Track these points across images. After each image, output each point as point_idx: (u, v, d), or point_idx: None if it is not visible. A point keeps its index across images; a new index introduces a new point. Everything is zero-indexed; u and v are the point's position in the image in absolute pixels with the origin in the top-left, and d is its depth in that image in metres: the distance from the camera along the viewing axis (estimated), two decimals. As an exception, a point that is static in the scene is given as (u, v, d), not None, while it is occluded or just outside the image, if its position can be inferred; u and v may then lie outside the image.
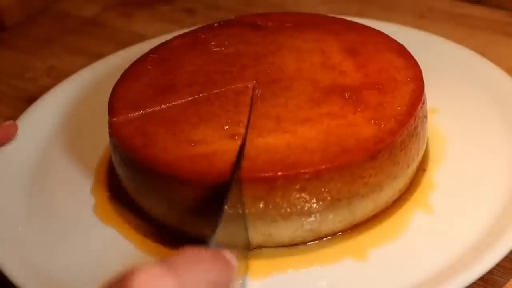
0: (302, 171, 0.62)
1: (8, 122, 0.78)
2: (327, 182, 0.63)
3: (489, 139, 0.73)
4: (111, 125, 0.70)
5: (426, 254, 0.64)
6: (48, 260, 0.67)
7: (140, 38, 0.96)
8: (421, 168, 0.71)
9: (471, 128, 0.75)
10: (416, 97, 0.69)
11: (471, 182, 0.70)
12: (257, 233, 0.65)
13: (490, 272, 0.62)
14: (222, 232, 0.57)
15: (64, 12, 1.06)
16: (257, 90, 0.70)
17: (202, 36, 0.79)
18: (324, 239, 0.66)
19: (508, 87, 0.77)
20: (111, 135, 0.70)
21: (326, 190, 0.63)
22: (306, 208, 0.64)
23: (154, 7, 1.05)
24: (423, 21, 0.95)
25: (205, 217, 0.65)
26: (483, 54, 0.82)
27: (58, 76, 0.91)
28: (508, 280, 0.65)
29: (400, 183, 0.68)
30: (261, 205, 0.63)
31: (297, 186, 0.63)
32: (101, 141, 0.76)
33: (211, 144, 0.65)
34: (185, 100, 0.71)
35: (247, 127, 0.66)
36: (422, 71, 0.71)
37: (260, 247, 0.65)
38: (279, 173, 0.62)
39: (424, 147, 0.72)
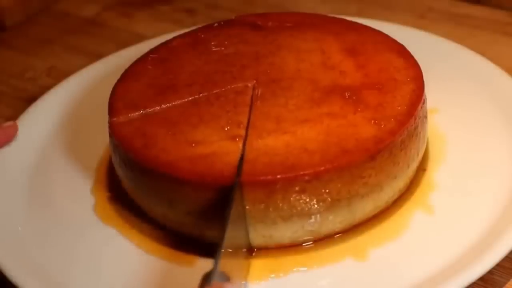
0: (301, 173, 0.62)
1: (8, 123, 0.78)
2: (327, 183, 0.63)
3: (489, 139, 0.73)
4: (111, 126, 0.70)
5: (426, 254, 0.64)
6: (48, 260, 0.67)
7: (140, 38, 0.96)
8: (421, 168, 0.71)
9: (471, 128, 0.75)
10: (416, 97, 0.69)
11: (471, 182, 0.70)
12: (257, 235, 0.65)
13: (490, 272, 0.62)
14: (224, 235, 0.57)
15: (64, 12, 1.06)
16: (257, 90, 0.70)
17: (202, 36, 0.79)
18: (325, 239, 0.66)
19: (508, 87, 0.77)
20: (111, 135, 0.70)
21: (326, 191, 0.63)
22: (306, 209, 0.64)
23: (154, 7, 1.05)
24: (423, 21, 0.95)
25: (204, 218, 0.65)
26: (483, 53, 0.82)
27: (58, 76, 0.91)
28: (508, 280, 0.65)
29: (400, 183, 0.68)
30: (261, 208, 0.63)
31: (297, 188, 0.63)
32: (101, 141, 0.76)
33: (211, 145, 0.65)
34: (185, 100, 0.71)
35: (247, 129, 0.66)
36: (422, 71, 0.71)
37: (260, 248, 0.65)
38: (279, 176, 0.62)
39: (424, 147, 0.72)
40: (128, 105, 0.71)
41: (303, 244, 0.66)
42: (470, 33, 0.92)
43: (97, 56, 0.92)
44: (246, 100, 0.70)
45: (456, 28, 0.93)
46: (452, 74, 0.81)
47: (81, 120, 0.81)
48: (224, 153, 0.64)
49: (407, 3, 0.99)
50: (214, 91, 0.71)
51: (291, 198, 0.63)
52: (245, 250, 0.64)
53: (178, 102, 0.71)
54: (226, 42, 0.77)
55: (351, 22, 0.79)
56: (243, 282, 0.62)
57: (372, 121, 0.66)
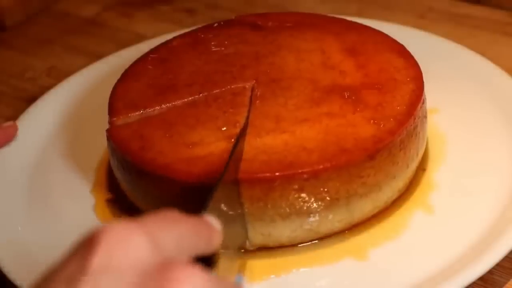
0: (299, 171, 0.62)
1: (8, 123, 0.78)
2: (325, 181, 0.63)
3: (489, 139, 0.73)
4: (108, 129, 0.70)
5: (426, 254, 0.64)
6: (48, 261, 0.66)
7: (140, 38, 0.96)
8: (421, 168, 0.71)
9: (471, 128, 0.75)
10: (416, 97, 0.69)
11: (471, 182, 0.70)
12: (256, 233, 0.65)
13: (490, 272, 0.62)
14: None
15: (64, 12, 1.06)
16: (256, 90, 0.70)
17: (202, 36, 0.79)
18: (324, 239, 0.66)
19: (508, 87, 0.77)
20: (108, 138, 0.70)
21: (325, 189, 0.63)
22: (305, 208, 0.64)
23: (154, 7, 1.05)
24: (423, 21, 0.95)
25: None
26: (483, 53, 0.82)
27: (58, 76, 0.91)
28: (508, 280, 0.65)
29: (399, 183, 0.68)
30: (259, 205, 0.63)
31: (296, 186, 0.63)
32: (101, 141, 0.76)
33: (208, 146, 0.65)
34: (185, 100, 0.71)
35: (242, 128, 0.66)
36: (422, 71, 0.71)
37: (259, 247, 0.65)
38: (277, 173, 0.62)
39: (424, 147, 0.72)
40: (128, 105, 0.71)
41: (303, 244, 0.66)
42: (470, 33, 0.92)
43: (97, 56, 0.92)
44: (244, 100, 0.70)
45: (456, 28, 0.93)
46: (452, 74, 0.81)
47: (81, 120, 0.81)
48: (221, 153, 0.64)
49: (407, 3, 0.99)
50: (214, 91, 0.71)
51: (289, 197, 0.63)
52: (244, 249, 0.65)
53: (178, 102, 0.71)
54: (226, 42, 0.77)
55: (351, 22, 0.79)
56: (240, 279, 0.62)
57: (372, 120, 0.66)
